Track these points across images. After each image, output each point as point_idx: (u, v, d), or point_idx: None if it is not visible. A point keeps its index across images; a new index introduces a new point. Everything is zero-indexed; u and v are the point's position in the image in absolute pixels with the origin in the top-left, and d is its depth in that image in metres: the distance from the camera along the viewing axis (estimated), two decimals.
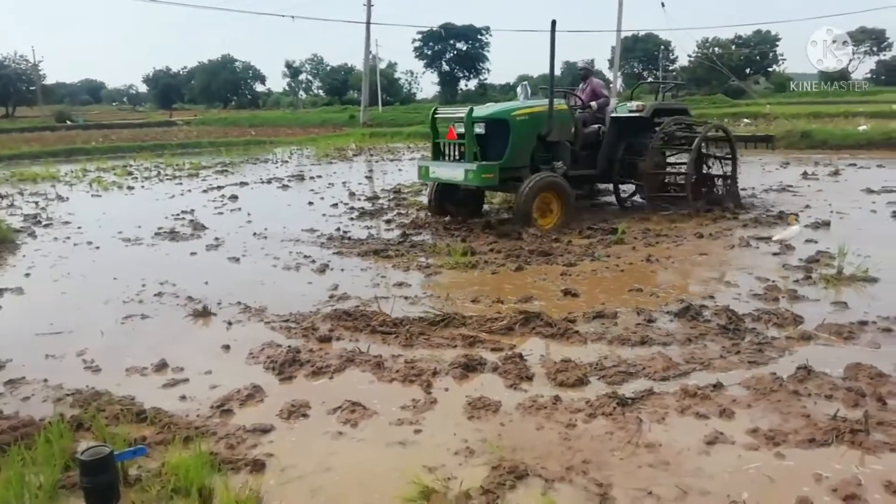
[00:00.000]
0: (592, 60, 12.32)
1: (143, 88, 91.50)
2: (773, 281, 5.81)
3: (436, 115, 9.12)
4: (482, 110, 8.68)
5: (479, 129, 8.29)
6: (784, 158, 16.62)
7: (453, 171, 8.34)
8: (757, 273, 6.07)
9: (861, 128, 18.34)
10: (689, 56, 67.65)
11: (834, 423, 3.19)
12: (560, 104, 8.87)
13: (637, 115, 9.28)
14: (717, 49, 66.38)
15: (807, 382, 3.67)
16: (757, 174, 13.68)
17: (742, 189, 11.32)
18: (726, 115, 31.03)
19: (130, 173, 17.01)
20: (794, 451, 3.02)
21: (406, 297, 5.63)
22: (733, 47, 68.33)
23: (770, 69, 70.85)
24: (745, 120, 27.29)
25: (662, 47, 74.30)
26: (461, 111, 8.57)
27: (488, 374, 4.00)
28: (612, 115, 9.46)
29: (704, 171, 9.98)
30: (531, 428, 3.33)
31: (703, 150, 9.73)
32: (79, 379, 4.05)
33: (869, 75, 74.60)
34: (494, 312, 5.09)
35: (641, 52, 76.71)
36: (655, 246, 7.36)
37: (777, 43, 69.35)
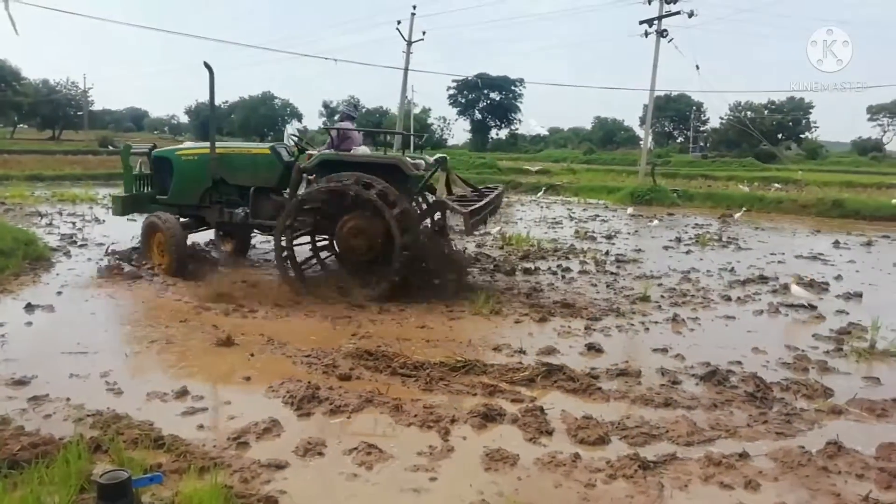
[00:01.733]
0: (352, 101, 11.51)
1: (185, 119, 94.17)
2: (803, 350, 5.68)
3: (131, 151, 9.18)
4: (160, 149, 8.94)
5: (158, 164, 8.68)
6: (815, 226, 16.45)
7: None
8: (786, 341, 5.95)
9: (895, 201, 18.14)
10: (721, 118, 67.95)
11: None
12: (261, 149, 8.26)
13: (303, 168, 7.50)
14: (749, 113, 66.53)
15: (837, 459, 3.55)
16: (788, 241, 13.54)
17: (771, 254, 11.22)
18: (757, 178, 30.98)
19: None
20: None
21: (427, 341, 5.62)
22: (766, 112, 68.46)
23: (802, 136, 70.67)
24: (776, 185, 27.18)
25: (694, 108, 74.80)
26: (145, 147, 9.12)
27: (507, 426, 3.94)
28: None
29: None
30: (549, 485, 3.25)
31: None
32: (101, 400, 4.09)
33: None
34: (516, 362, 5.05)
35: (673, 112, 77.16)
36: (682, 306, 7.27)
37: (810, 110, 69.28)
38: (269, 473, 3.27)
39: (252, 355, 5.11)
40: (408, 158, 7.56)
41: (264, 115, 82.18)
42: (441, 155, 8.61)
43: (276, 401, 4.23)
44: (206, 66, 7.68)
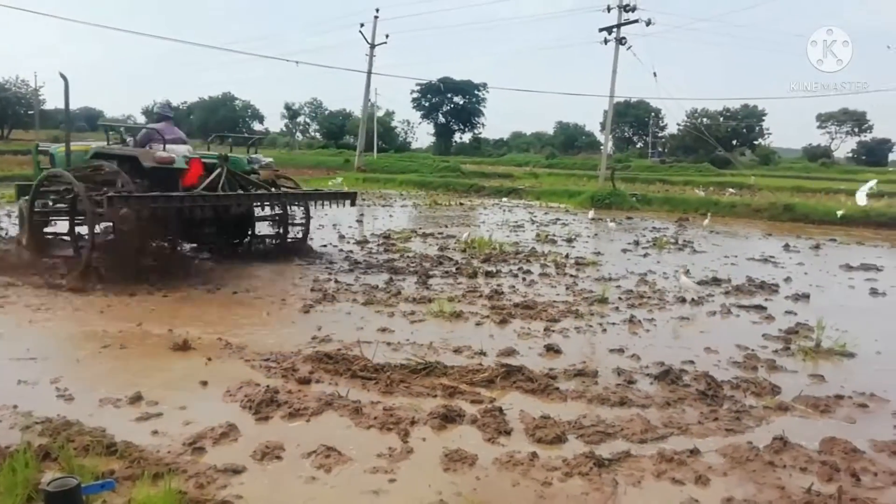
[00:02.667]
0: (166, 103, 13.12)
1: (142, 119, 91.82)
2: (753, 350, 5.87)
3: (38, 149, 10.64)
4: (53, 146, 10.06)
5: (51, 160, 9.74)
6: (767, 230, 17.00)
7: None
8: (737, 341, 6.13)
9: (839, 213, 18.88)
10: (679, 124, 69.65)
11: (808, 496, 3.19)
12: (82, 146, 9.40)
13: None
14: (705, 119, 68.37)
15: (782, 454, 3.69)
16: (741, 244, 13.95)
17: (725, 256, 11.57)
18: (712, 183, 31.83)
19: None
20: None
21: (389, 343, 5.62)
22: (721, 119, 70.48)
23: (756, 142, 72.96)
24: (731, 189, 27.97)
25: (653, 114, 76.49)
26: (52, 146, 10.16)
27: (467, 427, 3.97)
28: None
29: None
30: (507, 484, 3.30)
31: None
32: (50, 407, 3.97)
33: (850, 154, 77.08)
34: (476, 364, 5.08)
35: (633, 118, 78.77)
36: (638, 308, 7.43)
37: (763, 118, 71.59)
38: (226, 478, 3.23)
39: (209, 360, 5.03)
40: (159, 154, 8.18)
41: (224, 117, 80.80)
42: (224, 154, 9.17)
43: (233, 405, 4.18)
44: (62, 76, 8.15)
